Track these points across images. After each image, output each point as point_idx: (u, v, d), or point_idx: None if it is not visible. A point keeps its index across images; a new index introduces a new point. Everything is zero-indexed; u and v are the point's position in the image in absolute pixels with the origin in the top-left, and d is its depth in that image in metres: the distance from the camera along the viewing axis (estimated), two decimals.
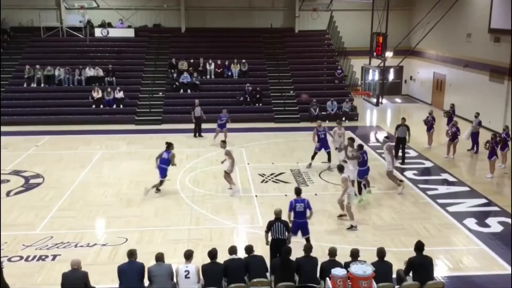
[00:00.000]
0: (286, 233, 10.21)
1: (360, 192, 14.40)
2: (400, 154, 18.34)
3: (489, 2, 23.23)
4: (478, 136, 19.55)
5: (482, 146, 17.89)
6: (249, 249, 9.22)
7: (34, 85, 26.56)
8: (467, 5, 25.53)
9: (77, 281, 8.24)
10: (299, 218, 10.82)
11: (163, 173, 14.86)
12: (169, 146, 15.05)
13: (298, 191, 11.08)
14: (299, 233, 10.90)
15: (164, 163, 14.84)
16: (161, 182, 14.92)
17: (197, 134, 21.96)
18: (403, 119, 18.60)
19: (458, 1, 25.09)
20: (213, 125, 21.09)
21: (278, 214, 10.25)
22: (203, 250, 10.27)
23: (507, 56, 21.79)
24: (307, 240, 10.75)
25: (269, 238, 10.30)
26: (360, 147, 14.89)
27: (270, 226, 10.23)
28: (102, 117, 25.06)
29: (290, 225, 10.55)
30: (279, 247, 9.66)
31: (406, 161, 18.43)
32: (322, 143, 17.40)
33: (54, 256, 11.23)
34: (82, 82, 26.75)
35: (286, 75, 28.45)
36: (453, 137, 18.71)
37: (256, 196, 15.05)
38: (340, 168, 13.08)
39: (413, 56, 31.11)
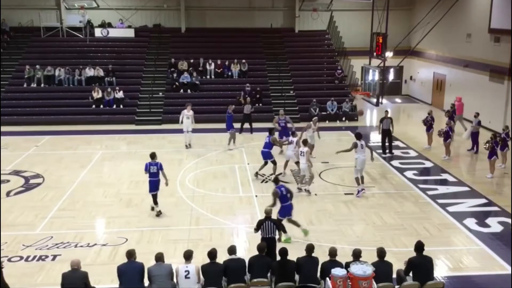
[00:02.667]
0: (277, 231, 10.39)
1: (284, 230, 11.93)
2: (387, 144, 19.40)
3: (489, 2, 23.22)
4: (478, 136, 19.56)
5: (482, 146, 17.88)
6: (260, 248, 9.11)
7: (34, 85, 26.55)
8: (467, 5, 25.52)
9: (77, 281, 8.24)
10: (153, 177, 13.28)
11: (269, 156, 16.55)
12: (271, 131, 17.08)
13: (152, 155, 13.42)
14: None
15: (267, 147, 16.60)
16: (274, 163, 16.54)
17: (251, 131, 22.74)
18: (386, 111, 19.78)
19: (458, 1, 25.07)
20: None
21: (268, 213, 10.45)
22: (203, 250, 10.24)
23: (507, 56, 21.78)
24: (154, 196, 13.35)
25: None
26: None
27: (260, 225, 10.34)
28: (102, 117, 25.06)
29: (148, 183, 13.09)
30: (269, 246, 9.69)
31: (406, 161, 18.54)
32: (283, 132, 19.14)
33: (54, 256, 11.23)
34: (82, 82, 26.74)
35: (286, 75, 28.44)
36: (446, 137, 18.72)
37: (256, 196, 15.06)
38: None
39: (413, 56, 31.10)
